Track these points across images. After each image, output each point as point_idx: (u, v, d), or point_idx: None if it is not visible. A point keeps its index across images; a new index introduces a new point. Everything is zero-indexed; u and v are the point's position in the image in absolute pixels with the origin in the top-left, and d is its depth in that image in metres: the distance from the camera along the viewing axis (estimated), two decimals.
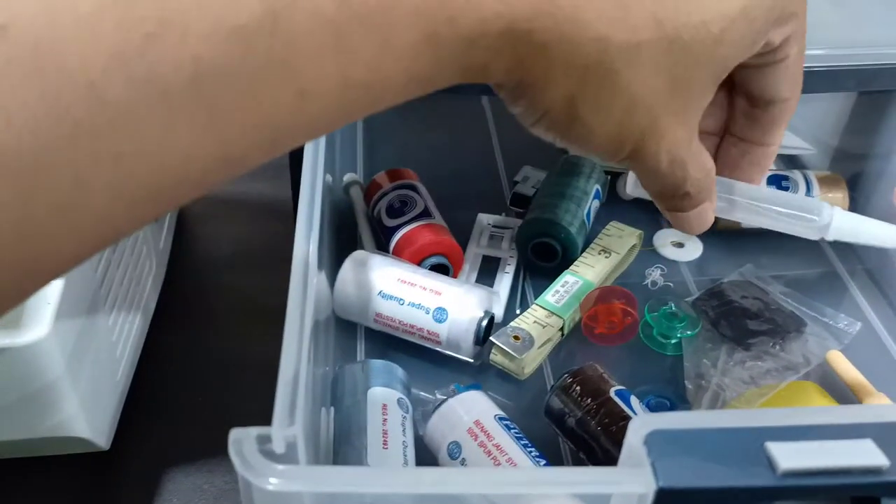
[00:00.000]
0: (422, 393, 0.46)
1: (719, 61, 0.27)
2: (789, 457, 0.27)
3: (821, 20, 0.46)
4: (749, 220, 0.32)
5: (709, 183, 0.30)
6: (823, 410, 0.32)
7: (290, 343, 0.32)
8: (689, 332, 0.48)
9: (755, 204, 0.33)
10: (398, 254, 0.51)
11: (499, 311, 0.50)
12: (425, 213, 0.53)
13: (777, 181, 0.57)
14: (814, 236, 0.32)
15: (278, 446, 0.28)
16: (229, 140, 0.20)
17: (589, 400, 0.40)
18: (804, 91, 0.49)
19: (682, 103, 0.27)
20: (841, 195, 0.56)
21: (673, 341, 0.49)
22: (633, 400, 0.41)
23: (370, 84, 0.22)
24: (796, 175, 0.57)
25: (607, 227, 0.55)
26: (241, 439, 0.28)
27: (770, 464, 0.27)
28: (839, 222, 0.32)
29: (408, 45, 0.22)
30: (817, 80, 0.47)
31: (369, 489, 0.27)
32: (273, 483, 0.27)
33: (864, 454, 0.27)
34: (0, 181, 0.17)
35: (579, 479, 0.27)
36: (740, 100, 0.32)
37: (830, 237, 0.32)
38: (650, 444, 0.28)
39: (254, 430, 0.28)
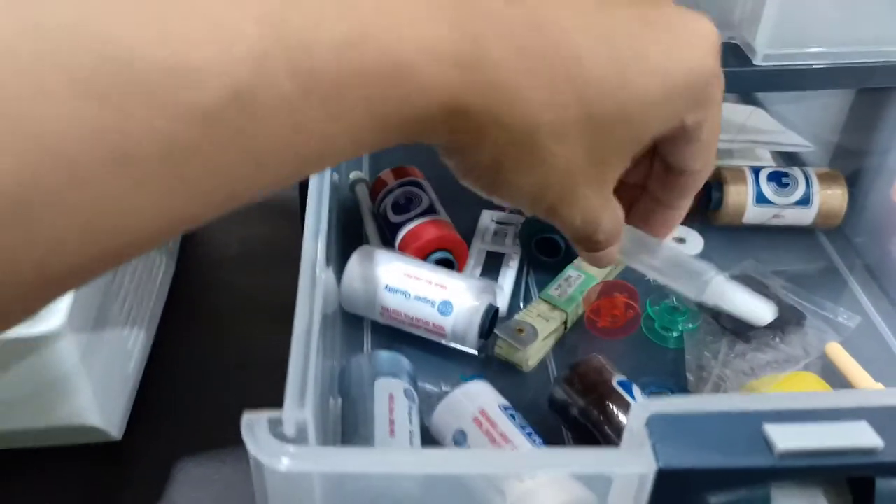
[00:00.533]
0: (427, 385, 0.47)
1: (635, 139, 0.28)
2: (786, 438, 0.27)
3: (819, 18, 0.47)
4: (641, 269, 0.35)
5: (617, 231, 0.32)
6: (820, 395, 0.33)
7: (301, 330, 0.33)
8: (690, 325, 0.49)
9: (648, 260, 0.35)
10: (404, 249, 0.52)
11: (503, 305, 0.51)
12: (430, 210, 0.54)
13: (777, 178, 0.57)
14: (693, 296, 0.34)
15: (289, 429, 0.29)
16: (190, 203, 0.22)
17: (592, 390, 0.41)
18: (804, 88, 0.50)
19: (598, 173, 0.29)
20: (840, 191, 0.57)
21: (675, 334, 0.50)
22: (636, 390, 0.42)
23: (321, 153, 0.23)
24: (796, 172, 0.58)
25: None
26: (254, 422, 0.28)
27: (768, 445, 0.28)
28: (716, 287, 0.34)
29: (358, 123, 0.23)
30: (816, 78, 0.48)
31: (378, 469, 0.28)
32: (284, 464, 0.27)
33: (859, 436, 0.28)
34: None
35: (582, 460, 0.28)
36: (658, 164, 0.34)
37: (706, 300, 0.34)
38: (651, 426, 0.28)
39: (265, 414, 0.29)
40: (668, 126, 0.29)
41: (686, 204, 0.34)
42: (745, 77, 0.47)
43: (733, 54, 0.47)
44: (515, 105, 0.25)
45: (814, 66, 0.47)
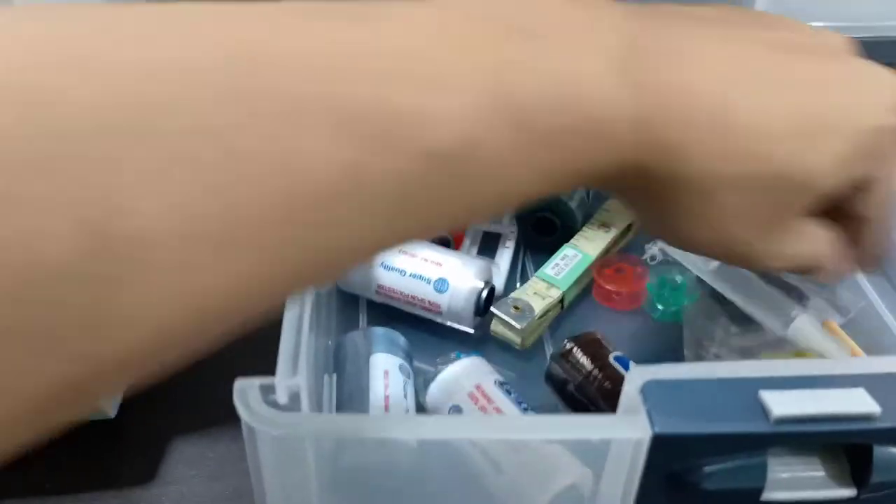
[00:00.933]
0: (423, 363, 0.46)
1: (812, 192, 0.28)
2: (782, 404, 0.27)
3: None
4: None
5: (826, 253, 0.31)
6: (817, 362, 0.32)
7: (293, 302, 0.32)
8: (687, 300, 0.49)
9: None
10: None
11: (499, 284, 0.51)
12: None
13: None
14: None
15: (281, 396, 0.29)
16: (401, 234, 0.23)
17: (589, 365, 0.41)
18: None
19: (779, 221, 0.28)
20: None
21: (672, 309, 0.50)
22: (632, 366, 0.41)
23: (517, 196, 0.24)
24: None
25: (607, 202, 0.56)
26: (246, 389, 0.28)
27: (763, 411, 0.27)
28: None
29: (551, 173, 0.24)
30: None
31: (369, 434, 0.28)
32: (276, 429, 0.27)
33: (856, 402, 0.28)
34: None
35: (578, 425, 0.28)
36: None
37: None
38: (646, 393, 0.28)
39: (257, 380, 0.29)
40: (845, 182, 0.28)
41: (864, 249, 0.32)
42: None
43: None
44: (692, 162, 0.26)
45: None
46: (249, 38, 0.19)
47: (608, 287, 0.51)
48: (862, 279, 0.54)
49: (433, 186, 0.21)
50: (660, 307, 0.50)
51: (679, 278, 0.50)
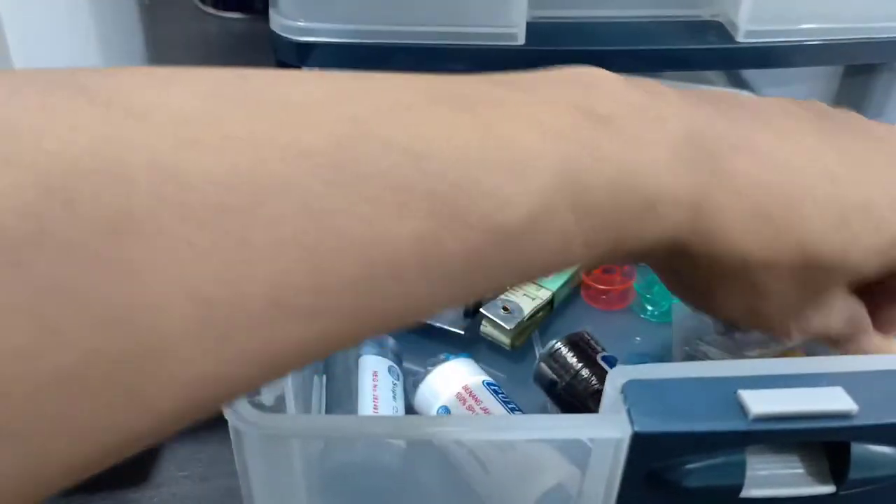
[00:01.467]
0: (413, 365, 0.47)
1: (852, 276, 0.29)
2: (760, 402, 0.28)
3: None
4: None
5: (856, 326, 0.31)
6: (795, 361, 0.33)
7: None
8: (675, 299, 0.49)
9: None
10: None
11: None
12: None
13: None
14: None
15: (267, 399, 0.29)
16: (456, 298, 0.23)
17: (577, 365, 0.41)
18: (788, 65, 0.50)
19: (814, 302, 0.29)
20: None
21: (661, 309, 0.50)
22: (621, 365, 0.42)
23: (561, 264, 0.25)
24: None
25: None
26: None
27: (742, 409, 0.28)
28: None
29: (600, 247, 0.24)
30: (801, 55, 0.48)
31: (354, 433, 0.28)
32: (262, 431, 0.28)
33: (833, 400, 0.28)
34: None
35: (559, 425, 0.28)
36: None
37: None
38: (627, 392, 0.29)
39: None
40: (889, 267, 0.29)
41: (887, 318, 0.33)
42: (727, 54, 0.47)
43: (716, 32, 0.48)
44: (734, 246, 0.26)
45: (798, 43, 0.47)
46: (361, 117, 0.20)
47: (597, 287, 0.51)
48: None
49: (493, 258, 0.22)
50: (648, 307, 0.50)
51: None
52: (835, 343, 0.32)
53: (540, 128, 0.23)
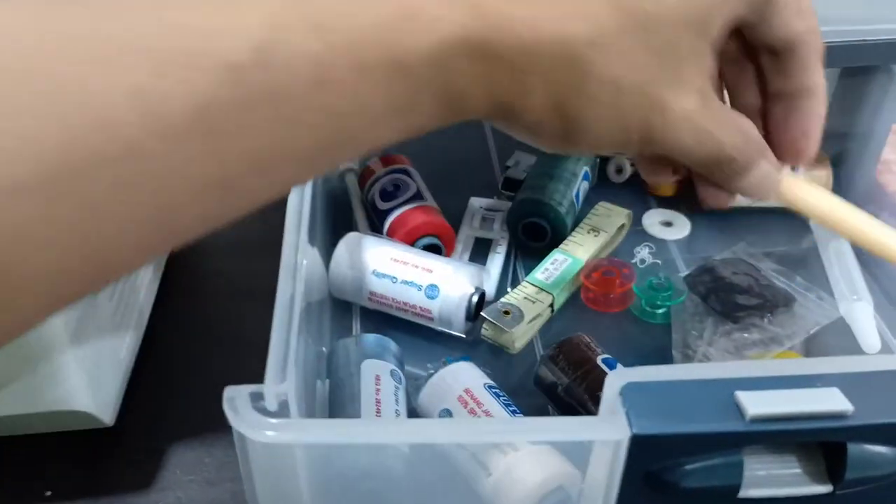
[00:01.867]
0: (415, 368, 0.47)
1: (697, 17, 0.27)
2: (757, 404, 0.28)
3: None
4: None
5: (752, 143, 0.29)
6: (791, 362, 0.33)
7: (281, 308, 0.33)
8: (674, 301, 0.50)
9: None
10: (392, 235, 0.53)
11: (490, 289, 0.52)
12: (417, 196, 0.54)
13: None
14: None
15: (270, 403, 0.29)
16: (226, 162, 0.22)
17: (577, 368, 0.42)
18: None
19: (676, 72, 0.27)
20: (825, 172, 0.57)
21: (660, 311, 0.50)
22: (620, 367, 0.42)
23: (350, 114, 0.24)
24: None
25: (596, 207, 0.57)
26: (235, 396, 0.29)
27: (739, 410, 0.28)
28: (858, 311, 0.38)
29: (381, 73, 0.23)
30: None
31: (358, 440, 0.28)
32: (266, 436, 0.28)
33: (829, 401, 0.28)
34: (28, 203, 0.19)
35: (559, 428, 0.29)
36: (765, 58, 0.31)
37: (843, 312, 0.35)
38: (625, 394, 0.29)
39: (247, 388, 0.29)
40: (722, 4, 0.27)
41: (818, 77, 0.31)
42: None
43: None
44: (539, 28, 0.25)
45: None
46: None
47: (596, 290, 0.51)
48: (849, 280, 0.55)
49: (240, 106, 0.21)
50: (647, 309, 0.51)
51: (666, 280, 0.51)
52: (732, 173, 0.29)
53: None
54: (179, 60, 0.21)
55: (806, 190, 0.32)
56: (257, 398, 0.29)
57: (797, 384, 0.29)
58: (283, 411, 0.30)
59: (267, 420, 0.28)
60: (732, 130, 0.29)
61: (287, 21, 0.22)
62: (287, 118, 0.22)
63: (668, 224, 0.59)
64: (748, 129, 0.30)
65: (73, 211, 0.20)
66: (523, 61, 0.25)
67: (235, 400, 0.29)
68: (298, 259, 0.36)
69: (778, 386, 0.29)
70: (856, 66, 0.56)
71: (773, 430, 0.28)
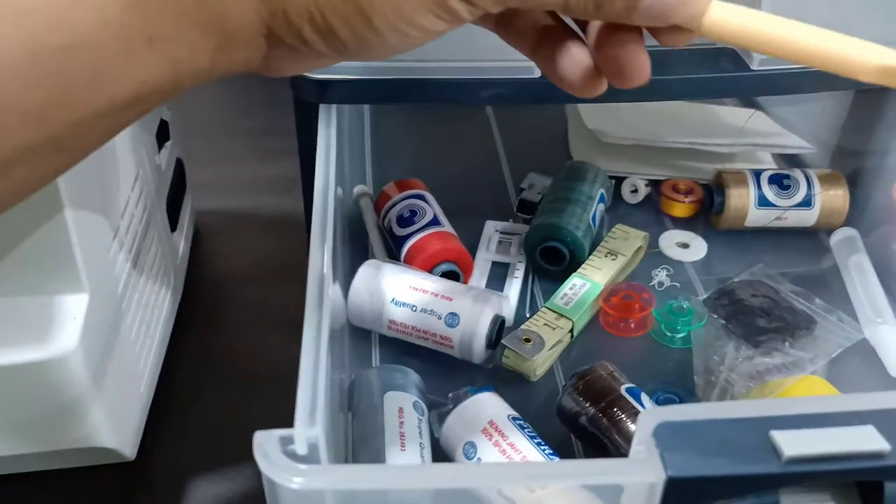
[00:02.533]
0: (436, 397, 0.47)
1: None
2: (793, 444, 0.28)
3: (813, 21, 0.47)
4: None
5: None
6: (825, 399, 0.33)
7: (309, 348, 0.33)
8: (694, 326, 0.50)
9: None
10: (409, 262, 0.53)
11: (509, 315, 0.51)
12: (434, 222, 0.54)
13: (778, 180, 0.58)
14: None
15: (300, 447, 0.29)
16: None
17: (600, 398, 0.42)
18: (801, 91, 0.50)
19: None
20: (841, 192, 0.57)
21: (680, 335, 0.50)
22: (644, 397, 0.42)
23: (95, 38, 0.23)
24: (797, 173, 0.58)
25: (613, 230, 0.56)
26: (265, 441, 0.29)
27: (775, 451, 0.28)
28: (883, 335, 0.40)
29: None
30: (812, 81, 0.48)
31: (390, 485, 0.28)
32: (297, 482, 0.28)
33: (865, 440, 0.28)
34: None
35: (592, 471, 0.28)
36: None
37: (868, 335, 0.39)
38: (658, 435, 0.29)
39: (277, 433, 0.29)
40: None
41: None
42: (743, 82, 0.47)
43: (731, 59, 0.48)
44: None
45: (810, 69, 0.47)
46: None
47: (615, 315, 0.51)
48: (873, 302, 0.55)
49: None
50: (667, 333, 0.51)
51: (686, 304, 0.51)
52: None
53: None
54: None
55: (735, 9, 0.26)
56: (287, 442, 0.29)
57: (832, 422, 0.29)
58: (312, 454, 0.29)
59: (297, 466, 0.28)
60: None
61: None
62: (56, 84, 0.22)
63: (685, 245, 0.59)
64: None
65: None
66: None
67: (265, 445, 0.29)
68: (323, 296, 0.35)
69: (812, 424, 0.29)
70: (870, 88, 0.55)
71: (810, 470, 0.28)
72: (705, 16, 0.26)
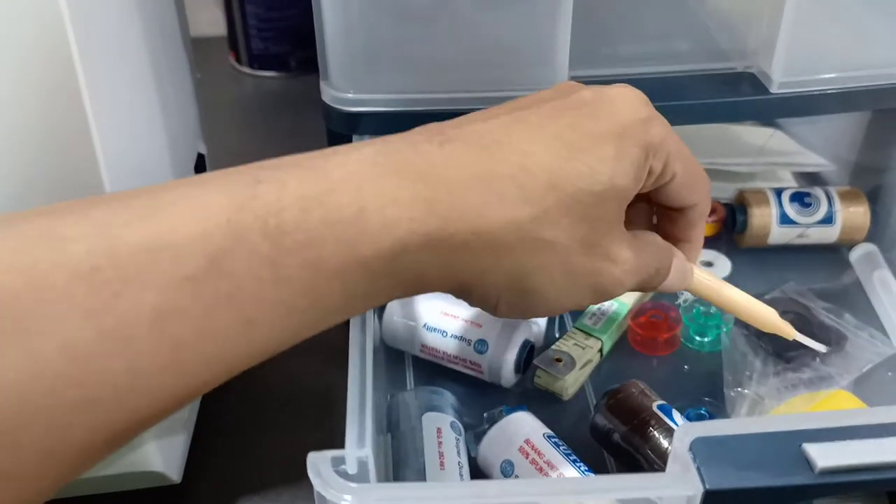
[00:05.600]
0: (471, 418, 0.48)
1: (617, 196, 0.31)
2: (826, 456, 0.29)
3: (831, 45, 0.49)
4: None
5: (667, 251, 0.35)
6: (856, 413, 0.34)
7: (355, 371, 0.35)
8: (722, 329, 0.52)
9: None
10: None
11: (539, 336, 0.52)
12: None
13: (800, 198, 0.59)
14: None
15: (351, 467, 0.31)
16: (189, 372, 0.24)
17: (633, 415, 0.43)
18: (820, 113, 0.51)
19: (608, 232, 0.31)
20: (862, 208, 0.58)
21: (709, 339, 0.52)
22: (675, 414, 0.43)
23: (308, 307, 0.26)
24: (817, 191, 0.59)
25: None
26: (318, 461, 0.30)
27: (808, 463, 0.29)
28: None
29: (337, 269, 0.26)
30: (831, 102, 0.49)
31: (436, 502, 0.29)
32: (348, 500, 0.29)
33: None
34: None
35: (632, 485, 0.30)
36: (659, 207, 0.36)
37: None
38: (695, 450, 0.30)
39: (329, 453, 0.31)
40: (639, 178, 0.31)
41: (697, 237, 0.37)
42: (763, 105, 0.49)
43: (750, 83, 0.49)
44: (489, 216, 0.28)
45: (828, 91, 0.49)
46: None
47: (643, 334, 0.52)
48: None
49: (199, 312, 0.23)
50: (696, 338, 0.52)
51: (713, 310, 0.52)
52: (659, 279, 0.34)
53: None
54: (135, 279, 0.22)
55: (707, 277, 0.38)
56: (338, 462, 0.30)
57: (863, 434, 0.30)
58: (362, 473, 0.31)
59: (349, 485, 0.29)
60: (656, 254, 0.34)
61: (240, 226, 0.24)
62: (245, 317, 0.24)
63: (709, 264, 0.60)
64: (662, 246, 0.35)
65: (36, 435, 0.22)
66: (478, 246, 0.28)
67: (318, 465, 0.30)
68: (367, 319, 0.37)
69: (844, 436, 0.30)
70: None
71: (843, 481, 0.29)
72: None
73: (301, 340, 0.27)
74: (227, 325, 0.24)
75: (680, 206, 0.35)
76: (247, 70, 0.92)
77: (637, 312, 0.53)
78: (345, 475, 0.30)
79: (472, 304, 0.31)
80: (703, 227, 0.37)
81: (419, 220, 0.27)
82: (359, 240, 0.26)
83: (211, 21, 0.95)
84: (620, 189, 0.30)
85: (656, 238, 0.35)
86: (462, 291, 0.30)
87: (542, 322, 0.54)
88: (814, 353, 0.49)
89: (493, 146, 0.29)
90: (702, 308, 0.52)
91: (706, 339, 0.52)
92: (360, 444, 0.31)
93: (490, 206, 0.28)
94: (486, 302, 0.31)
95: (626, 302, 0.53)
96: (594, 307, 0.53)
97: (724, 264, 0.60)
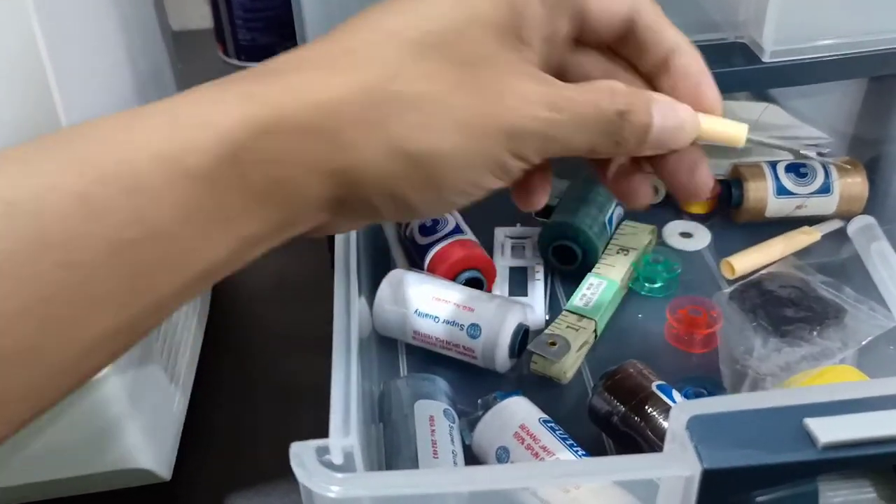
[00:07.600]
0: (465, 405, 0.47)
1: (481, 24, 0.27)
2: (828, 430, 0.28)
3: (825, 11, 0.48)
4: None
5: (626, 91, 0.28)
6: (858, 385, 0.33)
7: (339, 360, 0.33)
8: (671, 274, 0.53)
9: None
10: (432, 271, 0.53)
11: (534, 320, 0.51)
12: (457, 230, 0.55)
13: (795, 168, 0.58)
14: None
15: (336, 457, 0.29)
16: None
17: (631, 396, 0.41)
18: (814, 81, 0.50)
19: (485, 73, 0.27)
20: (860, 179, 0.57)
21: (658, 284, 0.54)
22: (675, 393, 0.42)
23: (165, 225, 0.24)
24: (813, 162, 0.58)
25: (621, 226, 0.57)
26: (301, 452, 0.29)
27: (810, 438, 0.28)
28: None
29: (169, 183, 0.24)
30: (826, 70, 0.48)
31: (425, 490, 0.28)
32: (334, 491, 0.28)
33: None
34: None
35: (628, 466, 0.29)
36: (622, 49, 0.31)
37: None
38: (692, 428, 0.29)
39: (312, 443, 0.29)
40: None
41: (674, 38, 0.31)
42: (754, 75, 0.48)
43: (741, 53, 0.48)
44: (328, 85, 0.25)
45: (823, 59, 0.48)
46: None
47: (680, 329, 0.50)
48: None
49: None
50: (647, 284, 0.54)
51: (662, 257, 0.54)
52: (640, 126, 0.28)
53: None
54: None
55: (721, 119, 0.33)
56: (323, 452, 0.29)
57: (866, 407, 0.29)
58: (348, 463, 0.30)
59: (334, 475, 0.28)
60: (595, 87, 0.28)
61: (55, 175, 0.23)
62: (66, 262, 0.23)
63: (689, 235, 0.59)
64: (611, 83, 0.29)
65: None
66: (330, 124, 0.25)
67: (302, 455, 0.29)
68: (351, 307, 0.36)
69: (846, 410, 0.29)
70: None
71: (847, 456, 0.28)
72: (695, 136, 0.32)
73: (175, 280, 0.25)
74: (49, 268, 0.22)
75: (619, 17, 0.29)
76: (234, 62, 0.90)
77: (675, 306, 0.51)
78: (330, 465, 0.29)
79: (372, 211, 0.27)
80: (671, 27, 0.31)
81: (248, 113, 0.24)
82: (180, 151, 0.23)
83: (197, 14, 0.93)
84: (479, 18, 0.27)
85: (611, 82, 0.29)
86: (350, 186, 0.26)
87: (539, 302, 0.53)
88: (810, 327, 0.48)
89: (338, 36, 0.27)
90: (650, 256, 0.53)
91: (656, 285, 0.54)
92: (344, 432, 0.30)
93: (331, 77, 0.25)
94: (385, 188, 0.26)
95: (615, 279, 0.52)
96: (583, 287, 0.52)
97: (703, 235, 0.59)
